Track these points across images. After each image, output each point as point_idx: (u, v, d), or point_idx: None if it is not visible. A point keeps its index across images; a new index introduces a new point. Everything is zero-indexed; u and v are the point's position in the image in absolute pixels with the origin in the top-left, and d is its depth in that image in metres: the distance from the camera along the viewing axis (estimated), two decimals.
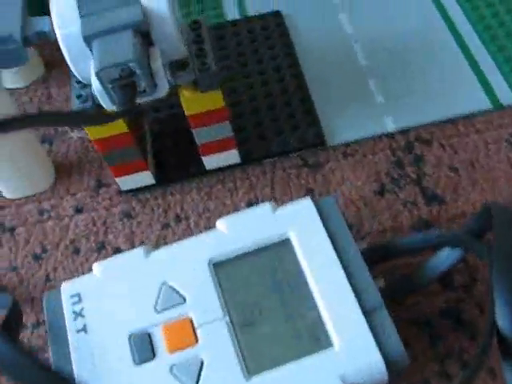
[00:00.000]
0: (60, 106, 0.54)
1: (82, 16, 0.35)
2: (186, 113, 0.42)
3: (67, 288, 0.38)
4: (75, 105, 0.39)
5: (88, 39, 0.35)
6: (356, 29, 0.54)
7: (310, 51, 0.53)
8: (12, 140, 0.45)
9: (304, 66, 0.52)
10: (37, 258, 0.47)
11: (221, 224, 0.38)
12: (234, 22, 0.56)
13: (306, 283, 0.35)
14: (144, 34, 0.36)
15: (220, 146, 0.45)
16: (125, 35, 0.34)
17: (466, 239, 0.35)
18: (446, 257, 0.37)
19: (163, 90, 0.37)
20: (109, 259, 0.39)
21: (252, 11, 0.57)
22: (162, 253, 0.38)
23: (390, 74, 0.51)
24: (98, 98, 0.36)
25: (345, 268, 0.35)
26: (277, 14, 0.55)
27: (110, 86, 0.35)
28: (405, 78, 0.50)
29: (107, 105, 0.37)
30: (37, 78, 0.56)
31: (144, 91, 0.36)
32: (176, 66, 0.39)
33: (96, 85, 0.35)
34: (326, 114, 0.49)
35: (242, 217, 0.38)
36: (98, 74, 0.34)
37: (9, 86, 0.56)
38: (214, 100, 0.41)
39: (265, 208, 0.38)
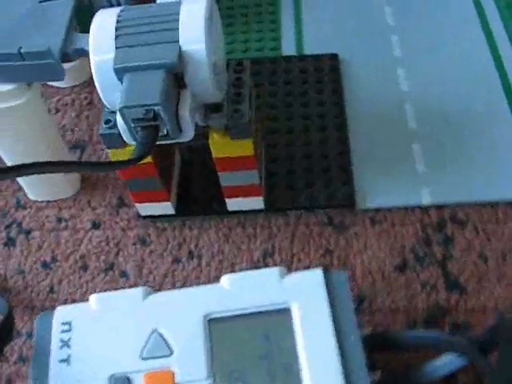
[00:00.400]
0: (99, 113, 0.54)
1: (117, 47, 0.34)
2: (214, 155, 0.40)
3: (60, 314, 0.37)
4: (102, 129, 0.38)
5: (119, 72, 0.34)
6: (411, 87, 0.52)
7: (360, 102, 0.51)
8: (39, 144, 0.44)
9: (349, 117, 0.50)
10: (45, 266, 0.46)
11: (225, 280, 0.37)
12: (289, 58, 0.54)
13: (297, 360, 0.34)
14: (177, 75, 0.34)
15: (244, 192, 0.44)
16: (156, 75, 0.33)
17: (471, 351, 0.33)
18: (449, 361, 0.35)
19: (188, 136, 0.35)
20: (107, 293, 0.38)
21: (310, 49, 0.56)
22: (161, 298, 0.37)
23: (436, 143, 0.48)
24: (120, 131, 0.35)
25: (341, 352, 0.34)
26: (333, 57, 0.54)
27: (132, 124, 0.34)
28: (451, 150, 0.48)
29: (128, 140, 0.36)
30: (83, 81, 0.55)
31: (167, 134, 0.35)
32: (209, 108, 0.38)
33: (119, 119, 0.34)
34: (361, 173, 0.47)
35: (248, 277, 0.37)
36: (121, 111, 0.33)
37: (54, 83, 0.55)
38: (244, 148, 0.40)
39: (273, 272, 0.37)
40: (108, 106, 0.37)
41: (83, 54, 0.39)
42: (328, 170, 0.47)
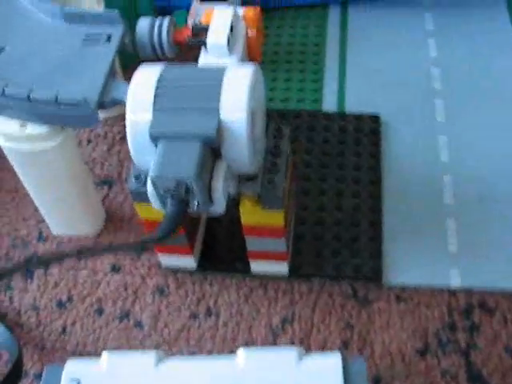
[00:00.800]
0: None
1: (155, 109, 0.33)
2: (243, 222, 0.39)
3: (70, 369, 0.36)
4: (131, 184, 0.37)
5: (154, 137, 0.33)
6: (452, 157, 0.50)
7: (397, 170, 0.50)
8: (68, 183, 0.44)
9: (385, 185, 0.49)
10: (60, 305, 0.45)
11: (241, 354, 0.35)
12: (329, 115, 0.53)
13: None
14: (214, 146, 0.33)
15: (270, 257, 0.42)
16: (192, 147, 0.32)
17: None
18: None
19: (219, 209, 0.34)
20: (119, 353, 0.37)
21: (352, 105, 0.54)
22: (173, 365, 0.36)
23: (471, 222, 0.47)
24: (149, 196, 0.34)
25: None
26: (374, 119, 0.52)
27: (162, 192, 0.33)
28: (487, 231, 0.46)
29: (156, 206, 0.35)
30: (118, 113, 0.54)
31: (197, 206, 0.33)
32: (243, 176, 0.37)
33: (149, 185, 0.33)
34: (391, 246, 0.46)
35: (264, 354, 0.36)
36: (153, 180, 0.32)
37: None
38: (275, 218, 0.39)
39: (291, 353, 0.35)
40: (138, 166, 0.36)
41: (120, 103, 0.38)
42: (357, 239, 0.45)
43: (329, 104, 0.55)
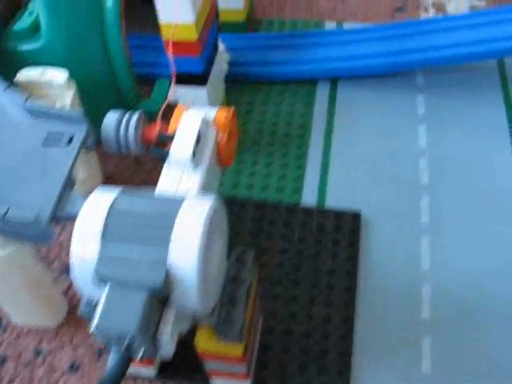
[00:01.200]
0: None
1: (103, 245, 0.31)
2: (198, 350, 0.37)
3: None
4: (81, 309, 0.35)
5: (100, 278, 0.31)
6: (433, 265, 0.48)
7: (375, 277, 0.47)
8: (20, 285, 0.42)
9: (360, 293, 0.46)
10: None
11: None
12: (308, 210, 0.50)
13: None
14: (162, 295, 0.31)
15: (229, 376, 0.40)
16: (138, 297, 0.30)
17: None
18: None
19: (167, 353, 0.32)
20: None
21: (333, 197, 0.52)
22: None
23: (448, 341, 0.44)
24: (94, 335, 0.32)
25: None
26: (355, 217, 0.50)
27: (105, 341, 0.31)
28: (463, 352, 0.44)
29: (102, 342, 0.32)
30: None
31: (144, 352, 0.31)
32: None
33: (93, 330, 0.31)
34: (361, 361, 0.43)
35: None
36: (95, 329, 0.30)
37: None
38: (233, 349, 0.36)
39: None
40: (85, 296, 0.34)
41: (73, 217, 0.36)
42: (326, 353, 0.43)
43: (309, 195, 0.52)
